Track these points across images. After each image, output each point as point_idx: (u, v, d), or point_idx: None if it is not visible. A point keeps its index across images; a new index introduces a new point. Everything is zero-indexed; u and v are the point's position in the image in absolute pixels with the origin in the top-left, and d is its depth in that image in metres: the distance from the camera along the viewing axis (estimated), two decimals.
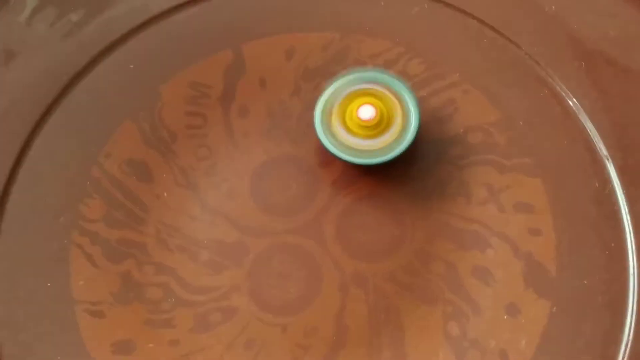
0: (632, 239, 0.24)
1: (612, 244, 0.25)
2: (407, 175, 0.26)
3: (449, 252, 0.25)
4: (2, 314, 0.24)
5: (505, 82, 0.27)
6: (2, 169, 0.25)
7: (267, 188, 0.26)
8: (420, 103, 0.27)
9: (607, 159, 0.26)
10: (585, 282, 0.24)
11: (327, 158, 0.27)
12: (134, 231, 0.25)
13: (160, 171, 0.26)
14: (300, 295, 0.25)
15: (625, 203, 0.25)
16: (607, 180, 0.26)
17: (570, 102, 0.27)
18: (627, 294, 0.24)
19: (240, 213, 0.26)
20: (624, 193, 0.25)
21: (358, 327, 0.24)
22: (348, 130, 0.25)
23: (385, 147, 0.25)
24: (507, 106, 0.27)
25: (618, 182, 0.25)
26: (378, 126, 0.25)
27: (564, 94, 0.27)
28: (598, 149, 0.26)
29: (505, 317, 0.24)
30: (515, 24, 0.28)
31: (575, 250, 0.25)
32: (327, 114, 0.25)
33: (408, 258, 0.25)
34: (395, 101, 0.25)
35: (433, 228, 0.26)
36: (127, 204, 0.26)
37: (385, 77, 0.26)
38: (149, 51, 0.28)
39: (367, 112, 0.25)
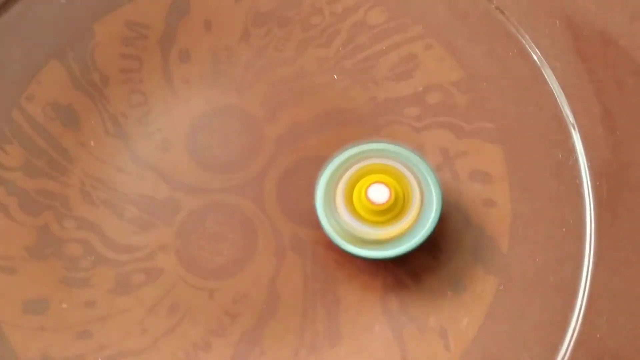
0: (592, 216, 0.23)
1: (571, 221, 0.23)
2: (359, 137, 0.24)
3: None
4: None
5: (471, 38, 0.25)
6: None
7: (206, 142, 0.24)
8: (379, 56, 0.25)
9: (574, 128, 0.24)
10: (537, 260, 0.22)
11: (273, 111, 0.25)
12: (56, 182, 0.23)
13: (88, 117, 0.24)
14: (232, 258, 0.23)
15: (588, 177, 0.23)
16: (571, 150, 0.24)
17: (540, 65, 0.24)
18: (580, 275, 0.22)
19: (173, 167, 0.24)
20: (588, 166, 0.23)
21: (292, 296, 0.23)
22: (356, 215, 0.21)
23: (399, 236, 0.21)
24: (472, 65, 0.25)
25: (583, 154, 0.23)
26: (392, 210, 0.21)
27: (534, 55, 0.25)
28: (565, 116, 0.24)
29: (449, 293, 0.22)
30: None
31: (531, 225, 0.23)
32: (330, 195, 0.21)
33: None
34: (413, 179, 0.21)
35: None
36: (49, 151, 0.24)
37: (400, 150, 0.21)
38: None
39: (379, 193, 0.21)
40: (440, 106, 0.24)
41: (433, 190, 0.21)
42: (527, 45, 0.25)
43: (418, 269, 0.23)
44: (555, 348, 0.21)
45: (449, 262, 0.23)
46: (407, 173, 0.21)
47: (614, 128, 0.23)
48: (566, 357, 0.21)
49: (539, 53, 0.25)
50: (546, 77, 0.24)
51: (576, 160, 0.23)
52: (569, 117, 0.24)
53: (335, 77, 0.25)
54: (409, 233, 0.21)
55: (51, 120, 0.24)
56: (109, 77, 0.25)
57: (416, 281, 0.23)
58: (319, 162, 0.24)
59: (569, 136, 0.24)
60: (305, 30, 0.25)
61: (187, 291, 0.23)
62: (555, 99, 0.24)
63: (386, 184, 0.21)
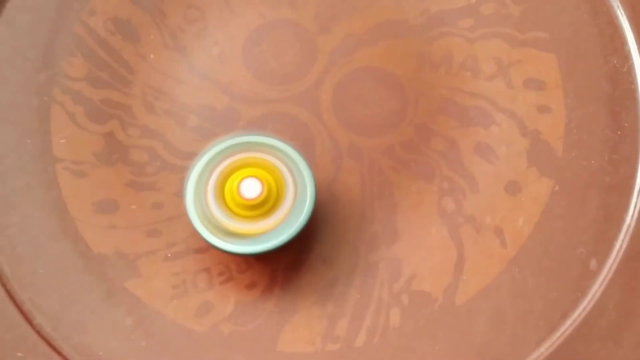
0: None
1: (625, 124, 0.23)
2: (412, 48, 0.25)
3: (452, 129, 0.24)
4: None
5: None
6: None
7: (262, 54, 0.25)
8: None
9: (630, 34, 0.24)
10: (593, 162, 0.23)
11: (326, 23, 0.25)
12: (119, 92, 0.24)
13: (147, 32, 0.25)
14: None
15: None
16: (626, 57, 0.24)
17: None
18: (635, 175, 0.22)
19: (231, 79, 0.24)
20: None
21: (350, 199, 0.23)
22: (229, 211, 0.20)
23: (273, 231, 0.20)
24: None
25: (639, 60, 0.23)
26: (265, 204, 0.20)
27: None
28: (620, 23, 0.24)
29: (504, 194, 0.23)
30: None
31: (586, 129, 0.23)
32: (201, 191, 0.20)
33: (407, 134, 0.24)
34: (287, 173, 0.20)
35: (436, 104, 0.24)
36: (111, 63, 0.24)
37: (269, 141, 0.21)
38: None
39: (251, 188, 0.20)
40: (494, 17, 0.25)
41: (307, 184, 0.21)
42: None
43: (474, 172, 0.23)
44: (611, 243, 0.22)
45: (504, 167, 0.23)
46: (282, 167, 0.21)
47: None
48: (621, 250, 0.22)
49: None
50: None
51: (631, 67, 0.24)
52: (625, 24, 0.24)
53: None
54: (282, 227, 0.20)
55: (112, 34, 0.24)
56: None
57: (472, 185, 0.23)
58: (373, 73, 0.25)
59: (624, 43, 0.24)
60: None
61: None
62: (610, 6, 0.24)
63: (259, 178, 0.20)
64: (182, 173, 0.23)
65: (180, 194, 0.23)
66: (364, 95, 0.24)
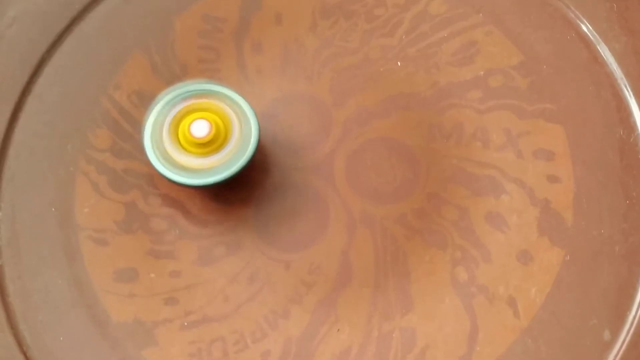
0: None
1: (634, 193, 0.23)
2: (423, 119, 0.26)
3: (463, 198, 0.25)
4: (6, 235, 0.24)
5: (530, 23, 0.26)
6: (11, 94, 0.25)
7: (278, 125, 0.26)
8: (441, 43, 0.26)
9: (634, 106, 0.24)
10: (603, 231, 0.23)
11: (341, 96, 0.26)
12: (141, 162, 0.25)
13: None
14: (306, 232, 0.24)
15: None
16: (632, 128, 0.24)
17: (599, 46, 0.25)
18: None
19: None
20: None
21: (363, 268, 0.24)
22: (182, 149, 0.23)
23: (221, 165, 0.22)
24: (531, 49, 0.26)
25: None
26: (214, 142, 0.23)
27: (592, 37, 0.26)
28: (625, 95, 0.25)
29: (517, 264, 0.23)
30: None
31: (595, 199, 0.24)
32: (157, 133, 0.23)
33: (420, 202, 0.25)
34: (232, 114, 0.23)
35: (448, 173, 0.25)
36: (134, 135, 0.25)
37: (219, 88, 0.23)
38: None
39: (200, 127, 0.22)
40: (502, 89, 0.26)
41: (252, 125, 0.23)
42: (585, 29, 0.26)
43: (485, 242, 0.24)
44: (624, 313, 0.22)
45: (515, 236, 0.24)
46: (229, 110, 0.23)
47: None
48: (635, 320, 0.22)
49: (597, 36, 0.25)
50: (605, 58, 0.25)
51: (637, 137, 0.24)
52: (629, 96, 0.25)
53: (399, 64, 0.26)
54: (230, 162, 0.23)
55: (136, 106, 0.26)
56: (187, 67, 0.26)
57: (484, 254, 0.23)
58: (385, 143, 0.25)
59: (629, 114, 0.25)
60: (370, 21, 0.27)
61: (265, 263, 0.24)
62: (615, 79, 0.25)
63: (207, 120, 0.23)
64: (199, 241, 0.24)
65: (197, 262, 0.24)
66: (377, 164, 0.25)
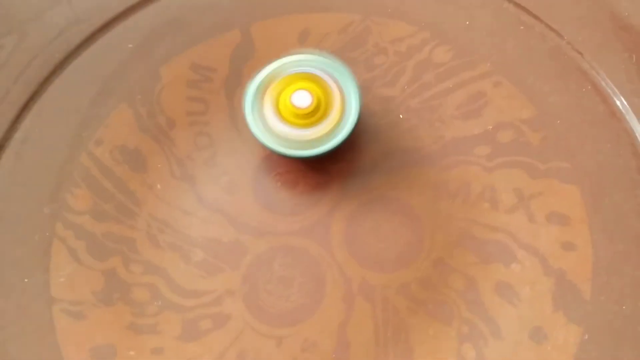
0: None
1: None
2: (427, 177, 0.24)
3: (470, 265, 0.23)
4: None
5: (542, 74, 0.24)
6: None
7: (272, 183, 0.24)
8: (446, 95, 0.25)
9: None
10: (624, 307, 0.21)
11: (339, 153, 0.24)
12: (123, 225, 0.23)
13: (155, 160, 0.24)
14: (300, 304, 0.22)
15: None
16: None
17: (617, 100, 0.24)
18: None
19: (239, 210, 0.24)
20: None
21: (362, 345, 0.22)
22: (281, 118, 0.23)
23: (320, 138, 0.22)
24: (544, 102, 0.24)
25: None
26: (314, 114, 0.23)
27: (609, 91, 0.24)
28: None
29: (529, 342, 0.21)
30: (556, 8, 0.24)
31: (615, 270, 0.22)
32: (259, 99, 0.23)
33: (424, 270, 0.23)
34: (335, 87, 0.23)
35: (454, 237, 0.23)
36: (117, 195, 0.24)
37: (326, 60, 0.23)
38: (150, 29, 0.25)
39: (302, 98, 0.22)
40: (512, 145, 0.24)
41: (352, 96, 0.22)
42: (602, 81, 0.24)
43: (494, 315, 0.22)
44: None
45: (528, 310, 0.22)
46: (329, 80, 0.23)
47: None
48: None
49: (614, 89, 0.24)
50: (624, 113, 0.23)
51: None
52: None
53: (401, 116, 0.24)
54: (332, 133, 0.22)
55: (119, 163, 0.24)
56: (175, 119, 0.25)
57: (494, 330, 0.22)
58: (387, 203, 0.24)
59: None
60: (370, 70, 0.25)
61: (255, 338, 0.22)
62: (635, 136, 0.23)
63: (309, 90, 0.22)
64: (184, 313, 0.22)
65: (181, 338, 0.22)
66: (378, 227, 0.23)
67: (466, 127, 0.24)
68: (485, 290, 0.22)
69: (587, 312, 0.21)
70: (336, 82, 0.23)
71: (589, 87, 0.24)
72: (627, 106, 0.23)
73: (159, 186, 0.24)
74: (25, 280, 0.22)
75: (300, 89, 0.23)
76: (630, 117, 0.23)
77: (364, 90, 0.25)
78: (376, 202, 0.24)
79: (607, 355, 0.21)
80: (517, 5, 0.25)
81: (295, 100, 0.22)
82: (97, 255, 0.23)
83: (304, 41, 0.25)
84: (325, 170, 0.24)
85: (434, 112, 0.24)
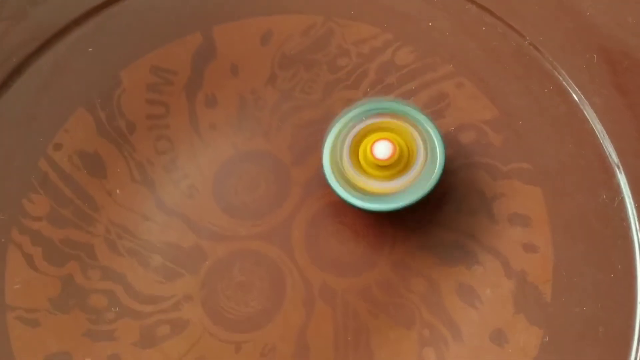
0: None
1: (619, 266, 0.21)
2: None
3: (432, 267, 0.22)
4: None
5: (504, 75, 0.24)
6: None
7: (233, 187, 0.24)
8: (409, 96, 0.24)
9: (618, 167, 0.22)
10: (585, 309, 0.21)
11: (301, 155, 0.24)
12: (81, 231, 0.23)
13: (114, 165, 0.24)
14: (259, 309, 0.22)
15: (636, 219, 0.22)
16: (616, 191, 0.22)
17: (578, 100, 0.23)
18: (633, 325, 0.20)
19: (199, 214, 0.23)
20: (635, 207, 0.22)
21: (322, 349, 0.21)
22: (362, 171, 0.21)
23: (404, 190, 0.21)
24: (506, 103, 0.24)
25: (629, 194, 0.22)
26: (396, 165, 0.21)
27: (571, 91, 0.24)
28: (608, 155, 0.23)
29: (490, 345, 0.21)
30: (518, 9, 0.24)
31: (576, 272, 0.21)
32: (337, 152, 0.22)
33: (385, 273, 0.22)
34: (417, 135, 0.22)
35: (415, 239, 0.23)
36: (75, 200, 0.23)
37: (403, 107, 0.22)
38: (110, 33, 0.25)
39: (383, 149, 0.21)
40: (474, 146, 0.24)
41: (437, 146, 0.21)
42: (564, 82, 0.24)
43: (456, 319, 0.21)
44: None
45: (489, 312, 0.21)
46: (412, 129, 0.22)
47: None
48: None
49: (576, 89, 0.24)
50: (586, 113, 0.23)
51: (622, 201, 0.22)
52: (612, 155, 0.23)
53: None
54: (414, 186, 0.21)
55: (77, 169, 0.24)
56: (135, 123, 0.24)
57: (454, 333, 0.21)
58: (348, 207, 0.23)
59: (612, 175, 0.22)
60: (333, 72, 0.25)
61: (214, 344, 0.22)
62: (596, 136, 0.23)
63: (390, 140, 0.21)
64: (141, 319, 0.22)
65: (138, 344, 0.22)
66: (339, 230, 0.23)
67: None
68: (446, 293, 0.22)
69: (548, 315, 0.21)
70: (419, 131, 0.22)
71: (551, 87, 0.24)
72: (589, 107, 0.23)
73: (118, 191, 0.24)
74: None
75: (381, 138, 0.21)
76: (592, 118, 0.23)
77: (328, 93, 0.24)
78: (337, 205, 0.23)
79: (568, 357, 0.20)
80: (480, 6, 0.25)
81: (377, 151, 0.21)
82: (53, 262, 0.22)
83: (266, 43, 0.25)
84: (286, 175, 0.24)
85: None
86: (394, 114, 0.22)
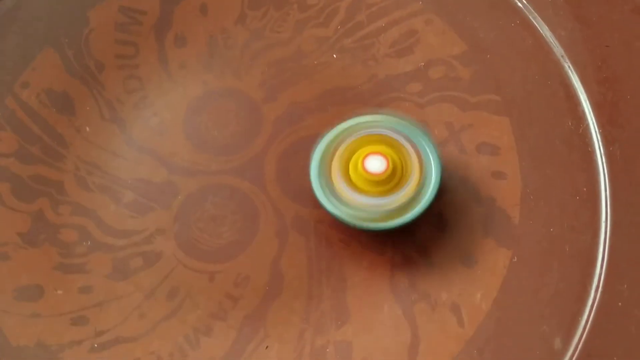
0: (607, 183, 0.22)
1: (584, 189, 0.22)
2: (359, 113, 0.24)
3: None
4: None
5: (472, 10, 0.24)
6: None
7: (203, 124, 0.24)
8: (379, 34, 0.25)
9: (583, 94, 0.23)
10: (552, 230, 0.21)
11: (272, 91, 0.24)
12: (51, 168, 0.23)
13: (83, 103, 0.24)
14: (232, 240, 0.22)
15: (600, 144, 0.22)
16: (581, 118, 0.23)
17: (544, 33, 0.24)
18: (597, 243, 0.21)
19: (170, 151, 0.23)
20: (599, 132, 0.22)
21: (296, 277, 0.22)
22: (352, 186, 0.20)
23: (398, 208, 0.20)
24: (474, 37, 0.24)
25: (594, 121, 0.23)
26: (390, 181, 0.20)
27: (537, 24, 0.24)
28: (573, 83, 0.23)
29: (460, 267, 0.21)
30: None
31: (543, 195, 0.22)
32: (326, 165, 0.20)
33: None
34: (412, 150, 0.20)
35: None
36: (44, 138, 0.23)
37: (399, 122, 0.20)
38: None
39: (376, 163, 0.20)
40: (443, 80, 0.24)
41: (432, 159, 0.20)
42: (529, 15, 0.24)
43: (427, 244, 0.22)
44: (575, 319, 0.20)
45: (458, 236, 0.22)
46: (405, 143, 0.20)
47: (624, 93, 0.23)
48: (587, 327, 0.20)
49: (542, 22, 0.24)
50: (551, 46, 0.24)
51: (587, 128, 0.23)
52: (577, 84, 0.23)
53: (335, 56, 0.24)
54: (410, 203, 0.20)
55: (45, 106, 0.23)
56: (104, 63, 0.24)
57: (425, 257, 0.22)
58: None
59: (577, 104, 0.23)
60: (303, 10, 0.25)
61: (187, 275, 0.22)
62: (562, 67, 0.23)
63: (383, 154, 0.20)
64: (114, 253, 0.22)
65: (111, 276, 0.21)
66: (309, 164, 0.23)
67: (399, 65, 0.24)
68: (418, 220, 0.22)
69: (516, 236, 0.21)
70: (413, 145, 0.20)
71: (518, 21, 0.24)
72: (555, 38, 0.24)
73: (87, 129, 0.23)
74: None
75: (373, 152, 0.20)
76: (557, 49, 0.24)
77: (298, 31, 0.25)
78: (310, 140, 0.23)
79: (535, 275, 0.21)
80: None
81: (369, 166, 0.20)
82: (23, 198, 0.22)
83: None
84: (257, 112, 0.24)
85: (367, 51, 0.24)
86: (382, 127, 0.21)
